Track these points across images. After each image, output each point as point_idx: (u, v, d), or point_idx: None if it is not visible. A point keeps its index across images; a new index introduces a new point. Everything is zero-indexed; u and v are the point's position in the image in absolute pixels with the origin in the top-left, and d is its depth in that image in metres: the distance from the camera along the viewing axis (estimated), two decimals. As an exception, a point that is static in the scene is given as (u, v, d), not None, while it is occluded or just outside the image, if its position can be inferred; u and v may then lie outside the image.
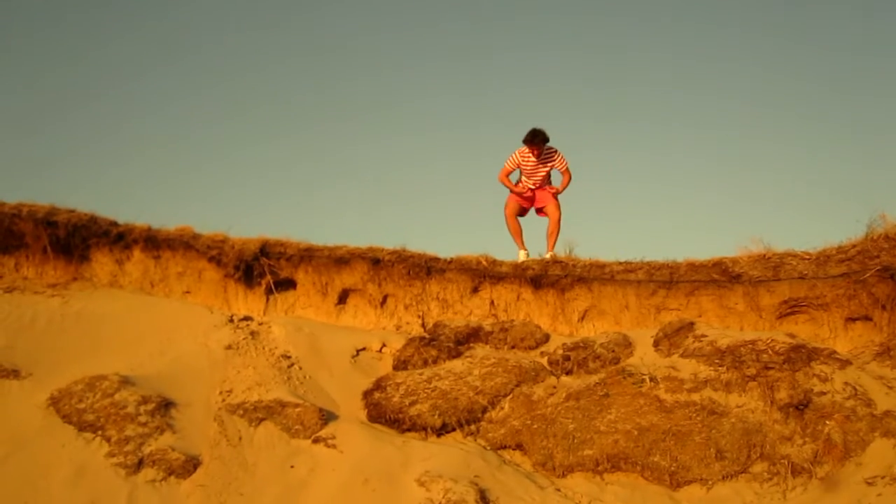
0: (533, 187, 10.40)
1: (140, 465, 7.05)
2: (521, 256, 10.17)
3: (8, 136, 31.23)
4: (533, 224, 10.77)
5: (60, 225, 9.76)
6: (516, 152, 10.32)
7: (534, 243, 10.47)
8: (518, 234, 10.44)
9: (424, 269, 9.92)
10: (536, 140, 10.13)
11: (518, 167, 10.40)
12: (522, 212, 10.58)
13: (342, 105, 35.14)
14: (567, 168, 10.38)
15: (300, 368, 8.65)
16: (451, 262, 9.97)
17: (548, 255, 10.09)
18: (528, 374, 8.17)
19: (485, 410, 7.89)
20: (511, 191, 10.43)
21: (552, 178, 10.53)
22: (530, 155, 10.24)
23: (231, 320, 9.25)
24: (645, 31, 34.19)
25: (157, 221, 10.26)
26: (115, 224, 10.09)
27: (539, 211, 10.57)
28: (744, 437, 7.06)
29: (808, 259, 8.75)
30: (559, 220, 10.30)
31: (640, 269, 9.42)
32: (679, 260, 9.40)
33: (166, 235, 10.14)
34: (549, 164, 10.36)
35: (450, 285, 9.92)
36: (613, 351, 8.34)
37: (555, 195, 10.39)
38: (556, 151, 10.33)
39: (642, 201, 31.55)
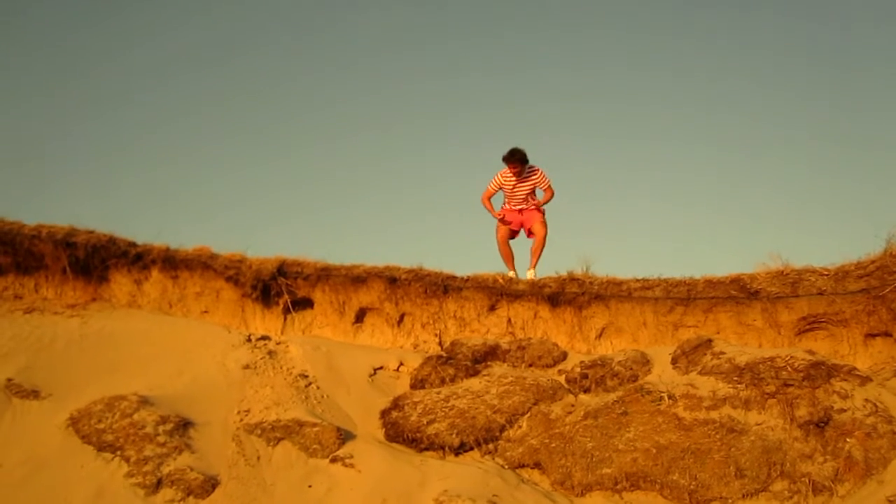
0: (516, 208, 10.57)
1: (159, 485, 7.05)
2: (511, 276, 10.29)
3: (21, 152, 31.46)
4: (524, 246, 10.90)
5: (79, 246, 9.83)
6: (498, 174, 10.50)
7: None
8: (510, 259, 10.59)
9: (441, 287, 9.94)
10: (515, 158, 10.29)
11: (500, 188, 10.56)
12: (513, 234, 10.72)
13: (359, 123, 35.27)
14: (549, 185, 10.57)
15: (318, 388, 8.66)
16: (467, 280, 9.98)
17: (529, 273, 10.29)
18: (545, 393, 8.15)
19: (503, 429, 7.87)
20: (491, 215, 10.60)
21: (537, 197, 10.66)
22: (511, 175, 10.41)
23: (249, 340, 9.27)
24: (664, 46, 34.20)
25: (175, 241, 10.34)
26: (133, 244, 10.16)
27: (529, 233, 10.71)
28: (764, 455, 7.01)
29: (827, 275, 8.71)
30: (545, 237, 10.49)
31: (658, 286, 9.40)
32: (696, 276, 9.39)
33: (184, 256, 10.19)
34: (530, 183, 10.52)
35: (467, 303, 9.92)
36: (631, 368, 8.31)
37: (537, 208, 10.55)
38: (537, 170, 10.52)
39: (659, 218, 31.46)
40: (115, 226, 11.25)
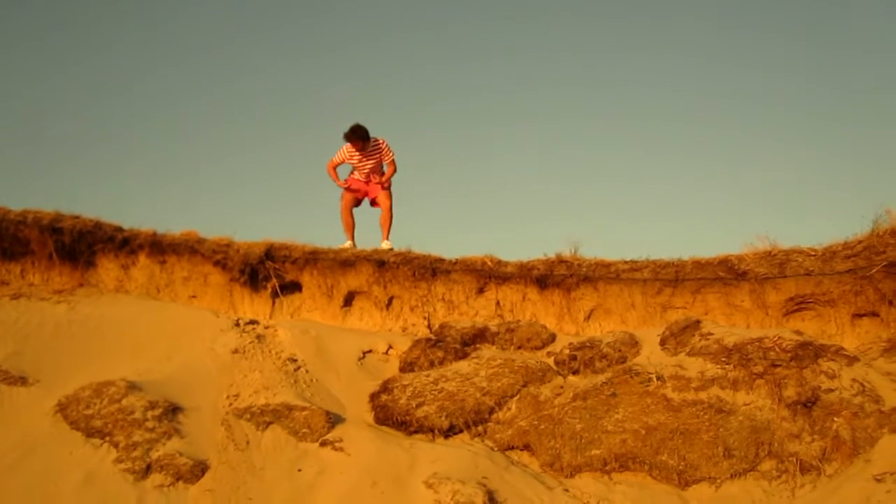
0: (363, 180, 10.76)
1: (148, 470, 7.04)
2: (347, 245, 10.50)
3: (10, 140, 31.25)
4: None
5: (66, 231, 9.78)
6: (343, 148, 10.64)
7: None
8: (350, 228, 10.74)
9: (430, 270, 9.93)
10: (356, 136, 10.43)
11: (346, 161, 10.71)
12: (357, 203, 10.91)
13: (345, 108, 35.14)
14: (393, 160, 10.76)
15: (307, 371, 8.65)
16: (456, 263, 9.97)
17: (383, 244, 10.45)
18: (534, 375, 8.16)
19: (492, 411, 7.89)
20: (335, 183, 10.75)
21: (384, 170, 10.87)
22: (355, 151, 10.57)
23: (237, 324, 9.25)
24: (647, 31, 34.14)
25: (162, 226, 10.32)
26: (120, 229, 10.11)
27: (373, 203, 10.93)
28: (752, 436, 7.05)
29: (814, 255, 8.73)
30: (390, 209, 10.73)
31: (646, 267, 9.41)
32: (685, 258, 9.42)
33: (171, 240, 10.15)
34: (374, 157, 10.69)
35: (455, 286, 9.92)
36: (620, 350, 8.33)
37: (382, 186, 10.72)
38: (381, 144, 10.68)
39: (647, 200, 31.51)
40: (102, 212, 11.17)
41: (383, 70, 35.52)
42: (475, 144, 33.94)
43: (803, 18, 32.25)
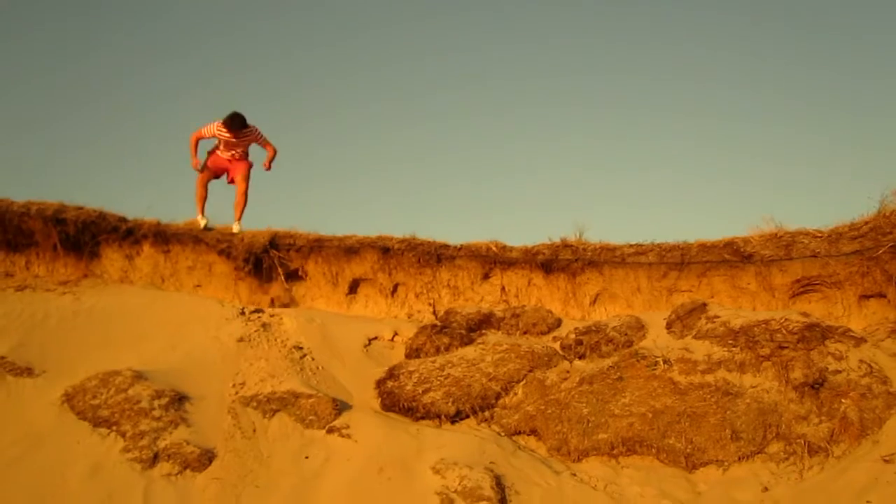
0: (226, 156, 10.59)
1: (155, 459, 7.05)
2: (200, 223, 10.37)
3: (14, 133, 31.27)
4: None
5: (70, 222, 9.78)
6: (214, 125, 10.40)
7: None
8: (201, 201, 10.54)
9: (434, 256, 9.91)
10: (234, 125, 10.29)
11: (214, 136, 10.49)
12: (216, 177, 10.75)
13: (349, 97, 35.10)
14: (267, 140, 10.65)
15: (313, 359, 8.65)
16: (461, 248, 9.95)
17: (234, 227, 10.38)
18: (540, 360, 8.15)
19: (498, 396, 7.88)
20: (191, 156, 10.53)
21: (249, 154, 10.77)
22: (225, 130, 10.35)
23: (242, 313, 9.25)
24: (654, 19, 33.99)
25: (166, 216, 10.33)
26: (124, 220, 10.12)
27: (231, 181, 10.78)
28: (759, 418, 7.02)
29: (821, 237, 8.69)
30: (245, 191, 10.61)
31: (651, 251, 9.38)
32: (690, 241, 9.36)
33: (175, 230, 10.16)
34: (246, 141, 10.55)
35: (460, 272, 9.90)
36: (626, 334, 8.30)
37: (267, 168, 10.72)
38: (255, 130, 10.56)
39: (651, 186, 31.44)
40: (106, 203, 11.18)
41: (388, 57, 35.46)
42: (480, 131, 33.87)
43: (815, 3, 32.04)
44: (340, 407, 7.64)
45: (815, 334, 7.48)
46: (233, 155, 10.60)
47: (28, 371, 7.99)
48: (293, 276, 10.20)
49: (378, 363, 8.72)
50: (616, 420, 7.31)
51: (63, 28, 33.98)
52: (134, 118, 33.34)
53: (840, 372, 7.16)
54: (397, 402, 7.93)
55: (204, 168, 10.57)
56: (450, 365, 8.18)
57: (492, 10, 35.22)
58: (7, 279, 9.54)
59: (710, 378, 7.41)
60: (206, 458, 7.10)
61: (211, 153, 10.63)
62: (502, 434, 7.58)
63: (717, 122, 32.74)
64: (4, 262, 9.73)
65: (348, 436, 7.28)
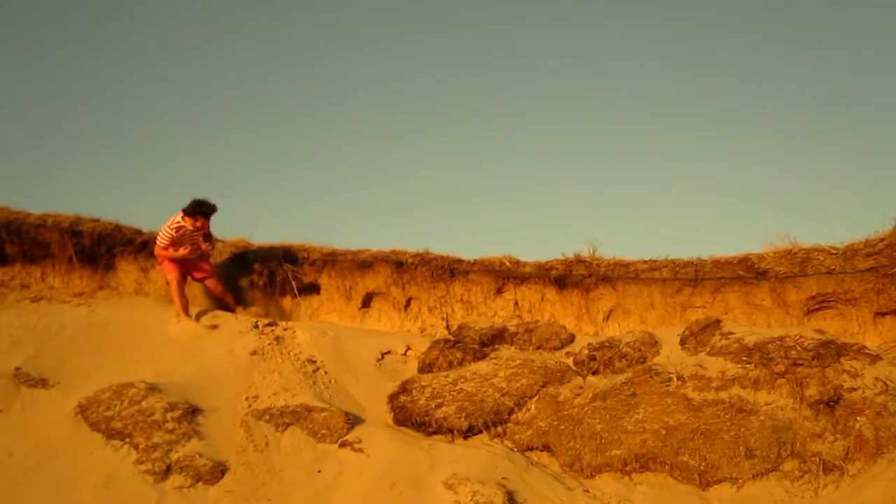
0: (190, 256, 9.48)
1: (168, 471, 7.06)
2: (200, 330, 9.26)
3: (30, 143, 31.47)
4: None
5: (85, 234, 9.84)
6: (168, 226, 9.27)
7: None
8: (186, 308, 9.42)
9: (448, 271, 9.92)
10: (204, 211, 9.35)
11: (179, 234, 9.33)
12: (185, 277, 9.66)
13: (359, 108, 35.16)
14: (209, 231, 9.66)
15: (325, 373, 8.66)
16: (474, 263, 9.95)
17: (239, 311, 9.75)
18: (553, 375, 8.13)
19: (511, 412, 7.86)
20: (167, 274, 9.46)
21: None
22: (186, 224, 9.33)
23: (255, 326, 9.26)
24: (664, 30, 34.01)
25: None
26: (139, 232, 10.16)
27: (198, 279, 9.79)
28: (773, 435, 6.98)
29: (836, 254, 8.66)
30: (224, 288, 9.82)
31: (665, 267, 9.36)
32: (704, 257, 9.36)
33: (190, 243, 10.17)
34: (202, 230, 9.54)
35: (473, 287, 9.90)
36: (640, 350, 8.28)
37: (210, 271, 9.75)
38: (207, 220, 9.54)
39: (665, 202, 31.36)
40: (120, 214, 11.22)
41: (400, 69, 35.51)
42: (494, 145, 33.92)
43: (825, 14, 32.01)
44: (353, 421, 7.64)
45: (830, 351, 7.45)
46: (195, 252, 9.51)
47: (42, 382, 8.02)
48: (307, 289, 10.23)
49: (391, 377, 8.72)
50: (629, 436, 7.29)
51: (64, 35, 34.26)
52: (148, 128, 33.47)
53: (855, 389, 7.12)
54: (410, 417, 7.92)
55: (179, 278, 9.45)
56: (462, 380, 8.17)
57: (510, 22, 35.27)
58: (23, 290, 9.60)
59: (724, 395, 7.38)
60: (218, 471, 7.11)
61: (175, 265, 9.41)
62: (515, 449, 7.56)
63: (732, 138, 32.65)
64: (20, 273, 9.79)
65: (361, 450, 7.28)
